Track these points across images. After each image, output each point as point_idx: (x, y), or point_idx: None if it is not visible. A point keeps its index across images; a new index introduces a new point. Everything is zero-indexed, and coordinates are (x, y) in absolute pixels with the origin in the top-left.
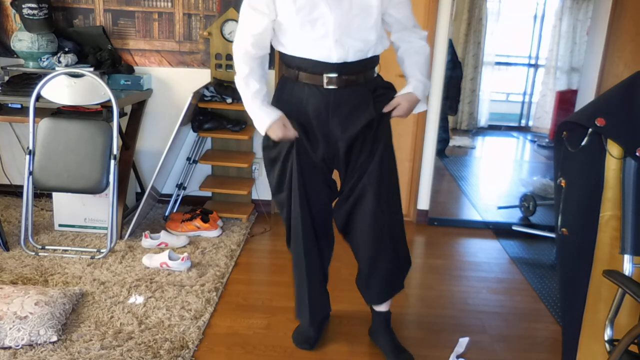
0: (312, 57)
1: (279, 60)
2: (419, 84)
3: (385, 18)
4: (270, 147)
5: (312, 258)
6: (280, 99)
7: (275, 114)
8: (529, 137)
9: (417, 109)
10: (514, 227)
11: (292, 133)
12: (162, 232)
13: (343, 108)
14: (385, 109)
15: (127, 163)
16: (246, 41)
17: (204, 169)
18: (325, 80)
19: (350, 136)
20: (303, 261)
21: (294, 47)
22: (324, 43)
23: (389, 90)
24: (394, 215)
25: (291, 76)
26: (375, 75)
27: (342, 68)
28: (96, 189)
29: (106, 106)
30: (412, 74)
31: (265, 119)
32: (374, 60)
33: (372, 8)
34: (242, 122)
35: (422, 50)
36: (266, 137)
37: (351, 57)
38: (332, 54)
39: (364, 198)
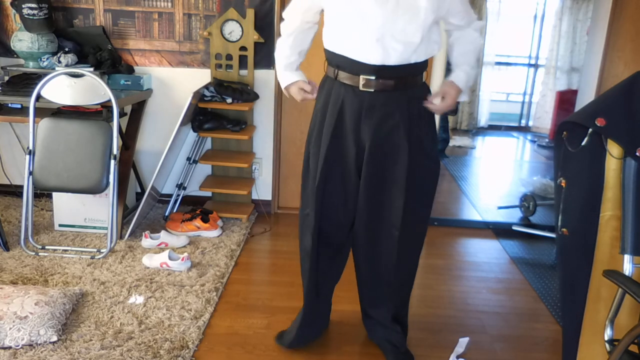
0: (352, 56)
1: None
2: (463, 74)
3: (444, 24)
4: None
5: (314, 265)
6: (319, 96)
7: (291, 78)
8: (529, 137)
9: (459, 98)
10: (514, 227)
11: (310, 95)
12: (162, 232)
13: (376, 113)
14: (431, 99)
15: (127, 163)
16: (297, 13)
17: (204, 169)
18: (362, 82)
19: (376, 148)
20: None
21: (335, 43)
22: (365, 42)
23: (424, 115)
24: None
25: (331, 74)
26: (421, 82)
27: (380, 71)
28: (96, 189)
29: (106, 106)
30: (460, 63)
31: (282, 82)
32: (417, 66)
33: (419, 10)
34: (242, 122)
35: (475, 40)
36: (308, 138)
37: (392, 60)
38: (371, 55)
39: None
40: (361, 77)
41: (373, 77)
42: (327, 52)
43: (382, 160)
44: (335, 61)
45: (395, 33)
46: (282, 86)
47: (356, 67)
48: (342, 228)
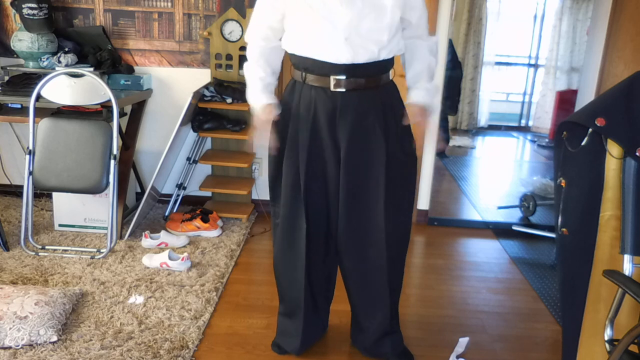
0: (320, 58)
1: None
2: (421, 91)
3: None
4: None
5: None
6: (289, 102)
7: (268, 100)
8: (529, 137)
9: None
10: (514, 227)
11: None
12: (162, 232)
13: (350, 113)
14: (406, 121)
15: (127, 163)
16: (258, 33)
17: (204, 169)
18: (332, 83)
19: (353, 148)
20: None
21: (302, 46)
22: (333, 42)
23: (399, 112)
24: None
25: (299, 78)
26: (389, 80)
27: (350, 70)
28: (96, 189)
29: (106, 106)
30: (414, 83)
31: (257, 103)
32: (386, 63)
33: (385, 8)
34: (242, 122)
35: (426, 58)
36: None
37: (361, 59)
38: (340, 54)
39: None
40: (331, 77)
41: (344, 77)
42: (292, 56)
43: (360, 160)
44: (303, 64)
45: (362, 32)
46: (258, 106)
47: (325, 68)
48: (329, 235)
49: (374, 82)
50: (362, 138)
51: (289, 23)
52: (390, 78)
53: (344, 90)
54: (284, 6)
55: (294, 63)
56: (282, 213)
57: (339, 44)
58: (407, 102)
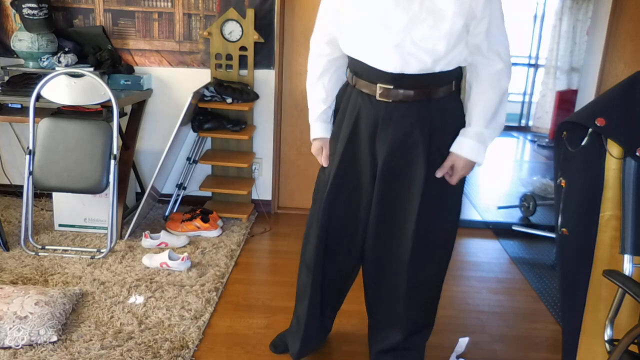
0: (368, 62)
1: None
2: (470, 141)
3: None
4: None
5: (318, 272)
6: (338, 104)
7: (322, 132)
8: (529, 137)
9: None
10: (514, 227)
11: (323, 161)
12: (162, 232)
13: (392, 126)
14: (438, 173)
15: (127, 163)
16: (322, 36)
17: (204, 169)
18: (378, 91)
19: (390, 165)
20: (310, 273)
21: (353, 47)
22: (383, 47)
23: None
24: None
25: (350, 81)
26: (449, 92)
27: (399, 80)
28: (96, 189)
29: (106, 106)
30: (471, 119)
31: (312, 133)
32: (443, 76)
33: (445, 15)
34: (242, 122)
35: (490, 97)
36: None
37: (411, 69)
38: (388, 62)
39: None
40: (378, 85)
41: (391, 87)
42: (348, 57)
43: (396, 178)
44: (354, 67)
45: (416, 39)
46: (311, 136)
47: (373, 75)
48: (352, 248)
49: (426, 94)
50: (402, 156)
51: (343, 20)
52: (451, 90)
53: (389, 101)
54: (341, 3)
55: (348, 64)
56: (312, 217)
57: (388, 50)
58: (450, 152)
